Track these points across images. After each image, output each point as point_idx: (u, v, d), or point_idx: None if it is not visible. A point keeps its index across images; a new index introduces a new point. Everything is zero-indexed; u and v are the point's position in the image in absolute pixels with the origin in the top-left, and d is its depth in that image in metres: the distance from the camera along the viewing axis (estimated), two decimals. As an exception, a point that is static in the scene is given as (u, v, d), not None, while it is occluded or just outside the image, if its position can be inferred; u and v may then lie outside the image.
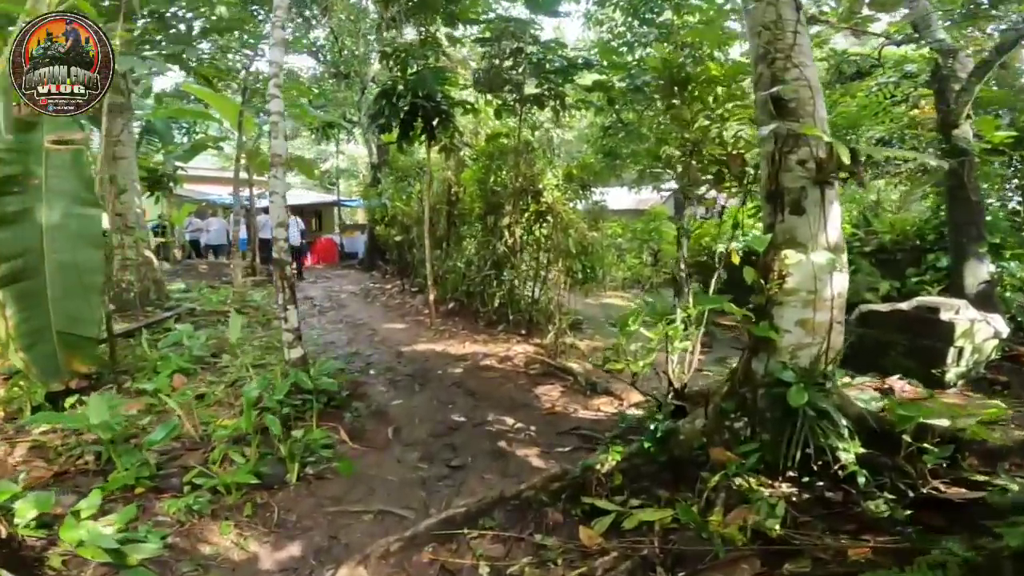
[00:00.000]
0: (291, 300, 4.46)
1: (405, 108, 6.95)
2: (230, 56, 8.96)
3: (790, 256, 3.16)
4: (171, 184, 13.91)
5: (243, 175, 12.78)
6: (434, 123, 7.21)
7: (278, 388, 4.25)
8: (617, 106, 7.99)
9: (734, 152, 3.74)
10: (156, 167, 13.51)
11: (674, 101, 4.03)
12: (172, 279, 11.86)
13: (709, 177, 4.14)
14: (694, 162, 3.90)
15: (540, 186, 6.99)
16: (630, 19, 8.97)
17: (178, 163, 13.71)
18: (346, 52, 13.85)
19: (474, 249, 7.89)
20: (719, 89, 3.89)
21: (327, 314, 9.03)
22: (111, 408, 4.44)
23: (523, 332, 7.23)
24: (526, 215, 7.11)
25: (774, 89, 3.21)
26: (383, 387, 5.64)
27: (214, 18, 8.19)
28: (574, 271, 6.55)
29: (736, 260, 3.79)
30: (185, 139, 14.04)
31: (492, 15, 6.67)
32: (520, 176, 7.01)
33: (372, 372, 6.08)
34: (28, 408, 4.57)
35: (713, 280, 4.43)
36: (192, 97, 11.86)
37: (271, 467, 3.75)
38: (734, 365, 4.17)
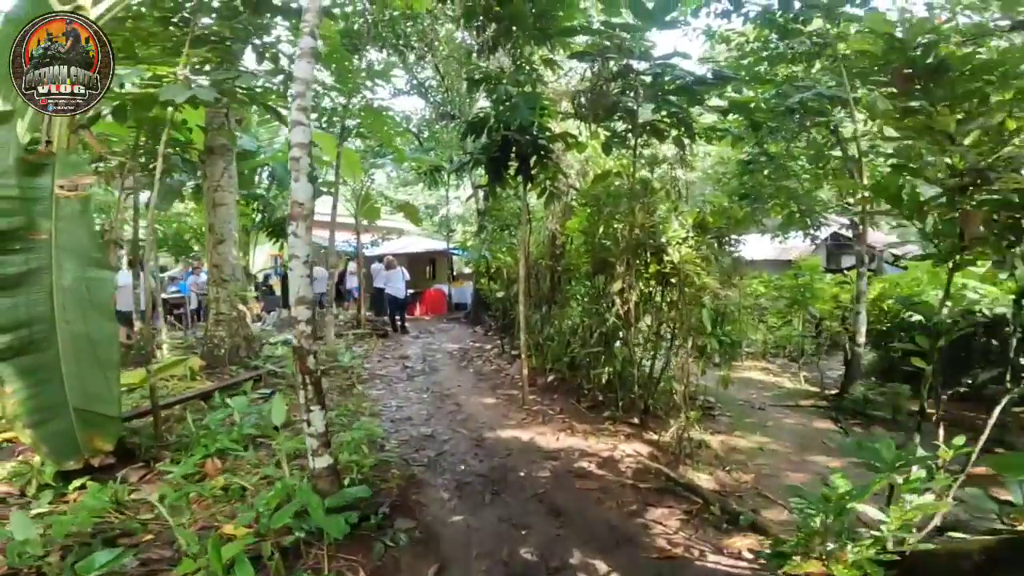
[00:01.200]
0: (316, 399, 3.42)
1: (496, 143, 5.93)
2: (323, 93, 8.58)
3: None
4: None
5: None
6: (530, 161, 6.11)
7: (285, 511, 3.16)
8: (762, 132, 6.36)
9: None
10: (280, 213, 13.92)
11: (916, 103, 2.40)
12: (282, 330, 11.79)
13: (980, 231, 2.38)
14: (968, 205, 2.23)
15: (663, 239, 5.45)
16: (767, 31, 7.22)
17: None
18: (451, 91, 13.46)
19: (579, 314, 6.51)
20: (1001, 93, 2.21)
21: (415, 379, 8.08)
22: (110, 496, 3.78)
23: (635, 421, 5.67)
24: (644, 277, 5.61)
25: None
26: (446, 492, 4.39)
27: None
28: (709, 350, 4.95)
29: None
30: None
31: (592, 30, 5.41)
32: (636, 227, 5.55)
33: (441, 465, 4.89)
34: (34, 486, 4.04)
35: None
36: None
37: (243, 628, 2.64)
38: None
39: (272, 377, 7.08)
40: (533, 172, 6.29)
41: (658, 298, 5.63)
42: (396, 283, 12.90)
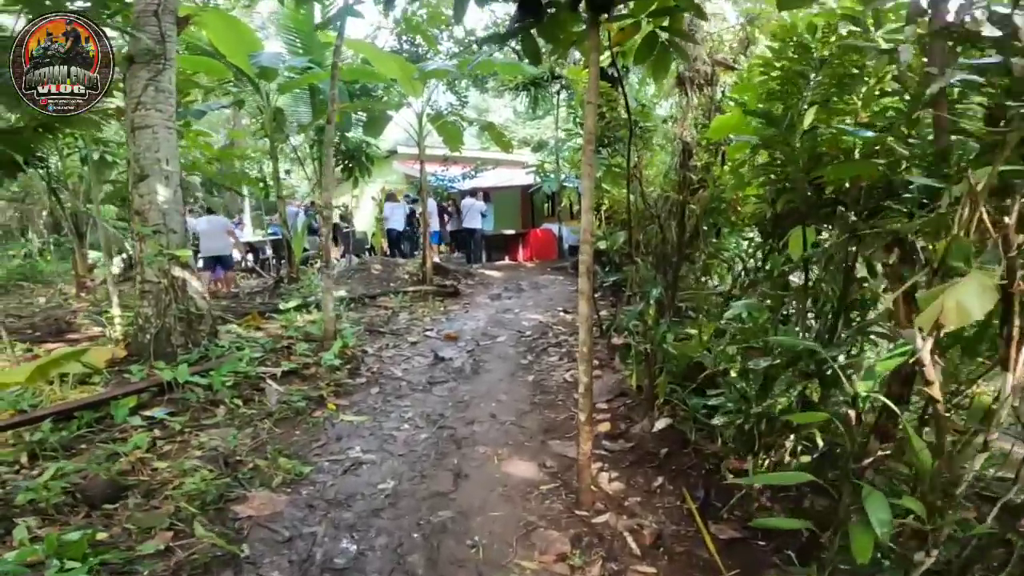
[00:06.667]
0: None
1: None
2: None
3: None
4: (367, 162, 11.80)
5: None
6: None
7: None
8: None
9: None
10: (351, 141, 11.48)
11: None
12: (338, 285, 9.34)
13: None
14: None
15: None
16: None
17: (367, 138, 11.46)
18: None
19: (738, 315, 2.91)
20: None
21: (435, 389, 5.01)
22: None
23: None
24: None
25: None
26: None
27: None
28: None
29: None
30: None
31: None
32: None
33: None
34: None
35: None
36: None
37: None
38: None
39: (184, 388, 4.31)
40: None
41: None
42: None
